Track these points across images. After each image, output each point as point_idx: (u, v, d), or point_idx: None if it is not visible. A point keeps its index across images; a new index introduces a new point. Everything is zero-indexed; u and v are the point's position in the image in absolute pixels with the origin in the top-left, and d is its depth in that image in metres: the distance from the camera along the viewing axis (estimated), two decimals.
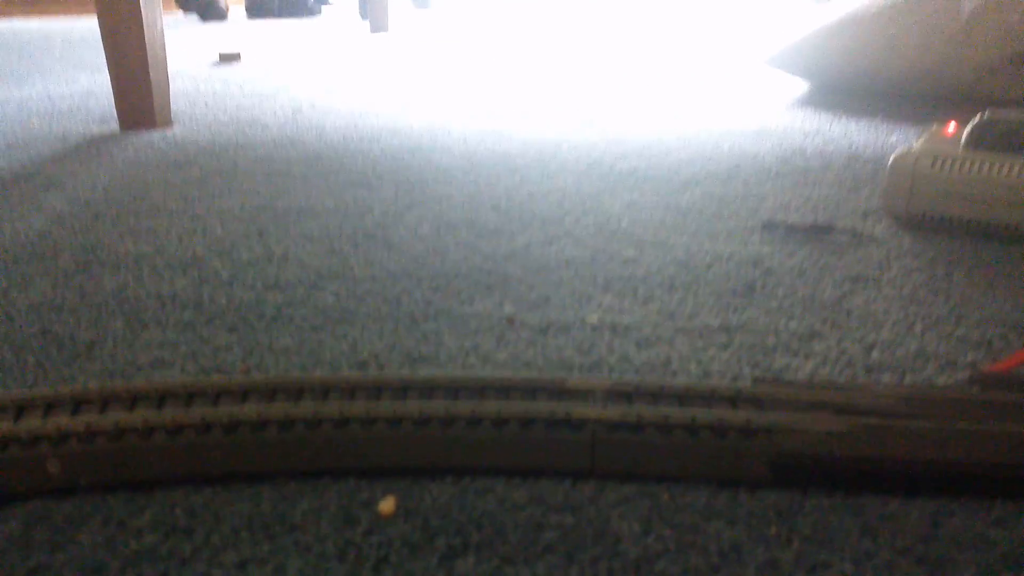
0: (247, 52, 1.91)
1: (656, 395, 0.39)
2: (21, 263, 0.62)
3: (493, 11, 3.21)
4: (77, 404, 0.38)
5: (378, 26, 2.45)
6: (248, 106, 1.28)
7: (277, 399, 0.39)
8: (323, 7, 3.38)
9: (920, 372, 0.45)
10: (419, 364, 0.47)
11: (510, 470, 0.37)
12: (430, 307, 0.54)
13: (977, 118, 0.69)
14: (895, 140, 1.01)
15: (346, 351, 0.48)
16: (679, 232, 0.68)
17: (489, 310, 0.53)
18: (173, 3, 3.23)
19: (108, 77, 1.10)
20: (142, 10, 1.04)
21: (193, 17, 3.08)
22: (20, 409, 0.38)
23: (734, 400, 0.39)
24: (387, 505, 0.35)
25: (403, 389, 0.39)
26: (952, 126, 0.76)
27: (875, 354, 0.47)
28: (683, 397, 0.39)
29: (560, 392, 0.39)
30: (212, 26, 2.78)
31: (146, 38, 1.05)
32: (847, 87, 1.32)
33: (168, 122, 1.12)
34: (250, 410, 0.37)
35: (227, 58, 1.82)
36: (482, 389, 0.39)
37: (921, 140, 0.73)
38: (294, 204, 0.76)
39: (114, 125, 1.13)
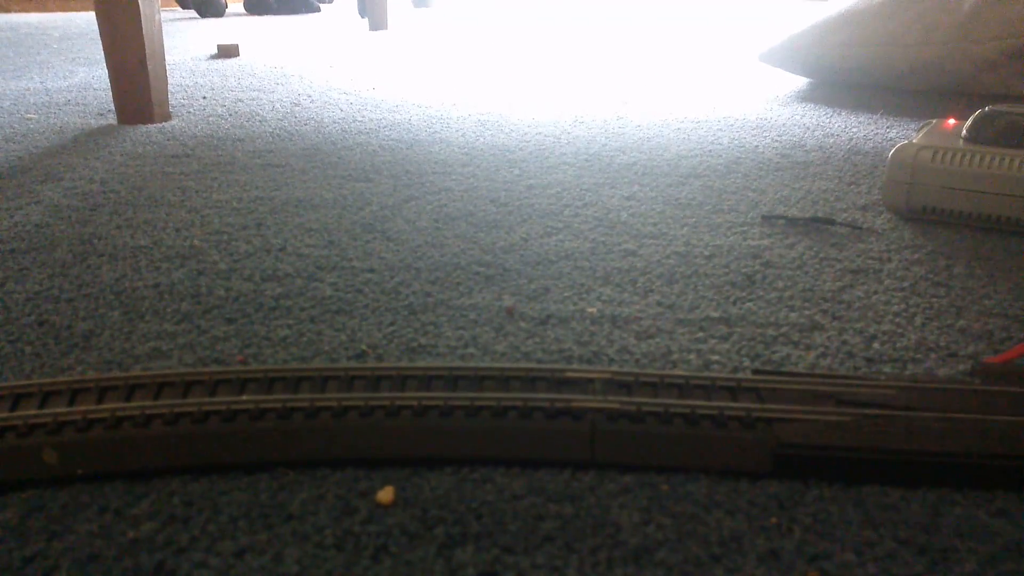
0: (245, 47, 1.90)
1: (656, 386, 0.39)
2: (19, 255, 0.62)
3: (493, 10, 3.21)
4: (74, 393, 0.38)
5: (377, 24, 2.45)
6: (246, 100, 1.27)
7: (275, 389, 0.39)
8: (322, 5, 3.37)
9: (921, 364, 0.45)
10: (418, 355, 0.46)
11: (509, 460, 0.36)
12: (429, 299, 0.54)
13: (977, 112, 0.69)
14: (895, 134, 1.01)
15: (344, 342, 0.48)
16: (679, 225, 0.68)
17: (488, 301, 0.53)
18: None
19: (106, 71, 1.10)
20: (140, 4, 1.04)
21: (191, 12, 3.07)
22: (17, 398, 0.38)
23: (734, 391, 0.39)
24: (386, 495, 0.34)
25: (401, 379, 0.39)
26: (952, 120, 0.76)
27: (876, 345, 0.47)
28: (683, 388, 0.39)
29: (559, 382, 0.39)
30: (210, 22, 2.78)
31: (144, 32, 1.05)
32: (846, 82, 1.32)
33: (166, 115, 1.12)
34: (248, 400, 0.37)
35: (225, 50, 1.82)
36: (481, 379, 0.39)
37: (921, 134, 0.73)
38: (292, 196, 0.76)
39: (112, 118, 1.12)
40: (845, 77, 1.31)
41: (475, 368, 0.40)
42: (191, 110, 1.19)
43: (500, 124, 1.09)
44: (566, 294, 0.54)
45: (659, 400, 0.37)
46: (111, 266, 0.59)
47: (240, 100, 1.27)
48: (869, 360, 0.46)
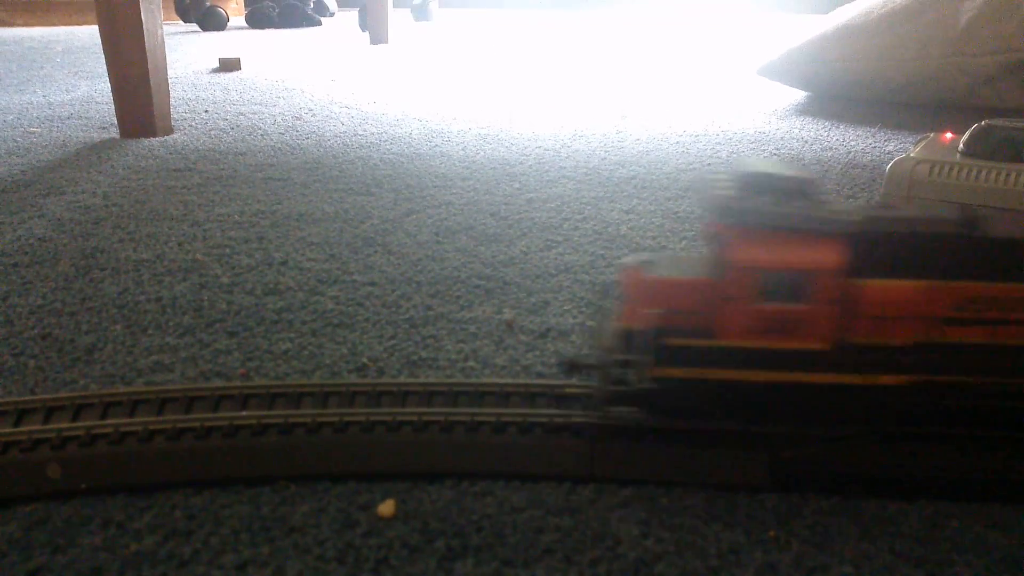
0: (247, 61, 1.91)
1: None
2: (22, 268, 0.62)
3: (494, 25, 3.23)
4: (78, 409, 0.38)
5: (378, 38, 2.46)
6: (248, 113, 1.28)
7: (277, 404, 0.39)
8: (323, 18, 3.39)
9: None
10: (419, 368, 0.47)
11: (509, 475, 0.37)
12: (429, 312, 0.54)
13: (974, 127, 0.70)
14: (893, 148, 1.02)
15: (346, 355, 0.48)
16: (677, 238, 0.69)
17: (488, 315, 0.54)
18: (174, 12, 3.24)
19: (108, 84, 1.10)
20: (143, 18, 1.04)
21: (193, 26, 3.09)
22: (21, 413, 0.38)
23: None
24: (386, 508, 0.35)
25: (402, 394, 0.40)
26: (949, 134, 0.76)
27: None
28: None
29: (559, 398, 0.39)
30: (212, 35, 2.79)
31: (146, 46, 1.06)
32: (844, 95, 1.33)
33: (168, 129, 1.13)
34: (249, 415, 0.37)
35: (227, 63, 1.83)
36: (481, 394, 0.40)
37: (918, 148, 0.74)
38: (294, 210, 0.77)
39: (114, 132, 1.13)
40: (843, 91, 1.32)
41: (475, 383, 0.40)
42: (193, 124, 1.20)
43: (500, 138, 1.09)
44: (566, 307, 0.55)
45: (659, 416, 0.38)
46: (114, 279, 0.60)
47: (242, 114, 1.28)
48: None
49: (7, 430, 0.37)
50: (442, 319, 0.53)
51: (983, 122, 0.70)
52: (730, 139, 1.08)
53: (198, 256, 0.65)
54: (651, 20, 3.32)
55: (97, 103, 1.38)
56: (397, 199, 0.80)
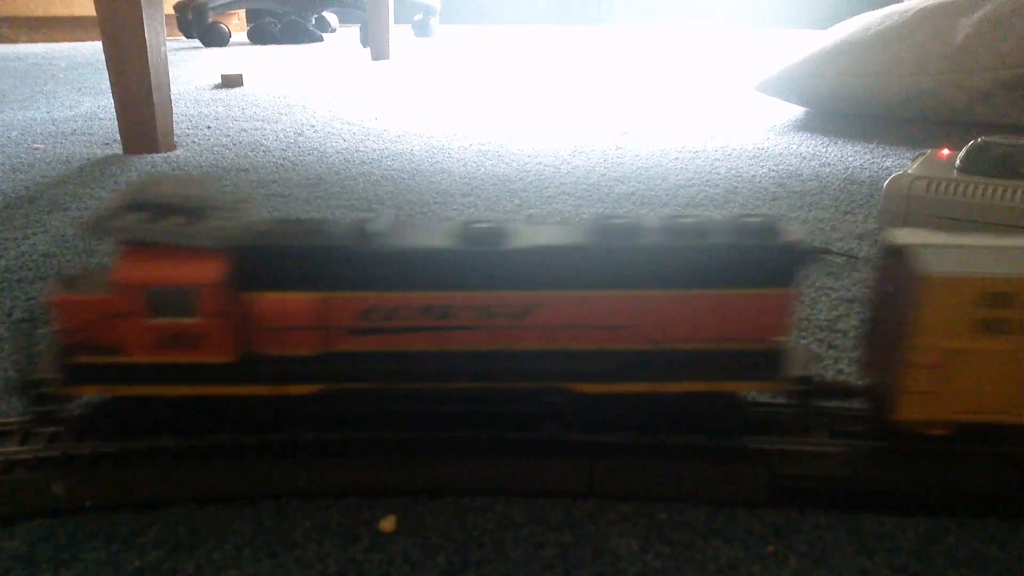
0: (249, 77, 1.93)
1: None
2: (25, 284, 0.62)
3: (495, 41, 3.25)
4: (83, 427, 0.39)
5: (379, 54, 2.47)
6: (250, 129, 1.29)
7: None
8: (325, 34, 3.41)
9: None
10: None
11: (508, 492, 0.37)
12: None
13: (971, 143, 0.70)
14: (890, 163, 1.03)
15: None
16: None
17: None
18: (176, 28, 3.26)
19: (112, 100, 1.11)
20: (146, 34, 1.05)
21: (195, 42, 3.11)
22: (27, 432, 0.38)
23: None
24: (388, 523, 0.35)
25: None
26: (946, 150, 0.77)
27: None
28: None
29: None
30: (214, 51, 2.81)
31: (149, 62, 1.07)
32: (842, 111, 1.33)
33: (171, 145, 1.14)
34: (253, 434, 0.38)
35: (229, 79, 1.84)
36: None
37: (916, 164, 0.74)
38: None
39: (117, 148, 1.14)
40: (841, 106, 1.33)
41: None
42: (196, 140, 1.20)
43: (501, 154, 1.10)
44: None
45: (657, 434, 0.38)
46: None
47: (244, 130, 1.29)
48: None
49: (12, 448, 0.37)
50: None
51: (980, 139, 0.70)
52: (729, 155, 1.09)
53: None
54: (651, 37, 3.34)
55: (100, 119, 1.39)
56: (398, 215, 0.81)
